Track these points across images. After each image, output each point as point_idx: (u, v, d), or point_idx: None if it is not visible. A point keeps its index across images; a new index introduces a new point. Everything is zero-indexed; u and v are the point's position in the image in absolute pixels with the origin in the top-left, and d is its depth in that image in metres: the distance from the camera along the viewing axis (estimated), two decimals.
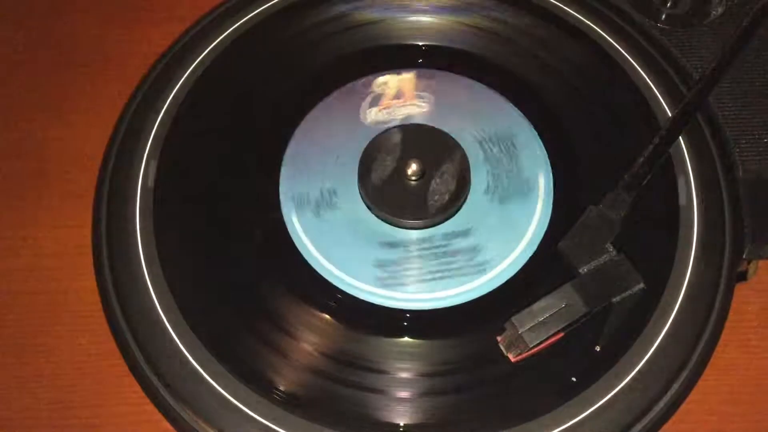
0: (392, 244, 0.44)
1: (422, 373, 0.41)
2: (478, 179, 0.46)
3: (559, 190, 0.45)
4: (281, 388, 0.40)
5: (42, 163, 0.49)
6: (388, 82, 0.46)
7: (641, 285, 0.40)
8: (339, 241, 0.44)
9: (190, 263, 0.44)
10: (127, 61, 0.52)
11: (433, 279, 0.43)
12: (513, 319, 0.39)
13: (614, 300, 0.40)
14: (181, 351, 0.40)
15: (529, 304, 0.39)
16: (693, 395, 0.41)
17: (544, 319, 0.39)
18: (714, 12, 0.50)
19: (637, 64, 0.48)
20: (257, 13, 0.50)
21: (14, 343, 0.44)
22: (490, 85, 0.48)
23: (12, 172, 0.49)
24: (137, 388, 0.41)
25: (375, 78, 0.48)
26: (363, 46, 0.50)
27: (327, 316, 0.42)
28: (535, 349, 0.39)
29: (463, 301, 0.42)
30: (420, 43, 0.50)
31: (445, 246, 0.44)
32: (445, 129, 0.46)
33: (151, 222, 0.44)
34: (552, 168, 0.46)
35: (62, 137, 0.50)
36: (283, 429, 0.39)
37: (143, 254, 0.43)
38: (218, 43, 0.49)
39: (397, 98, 0.46)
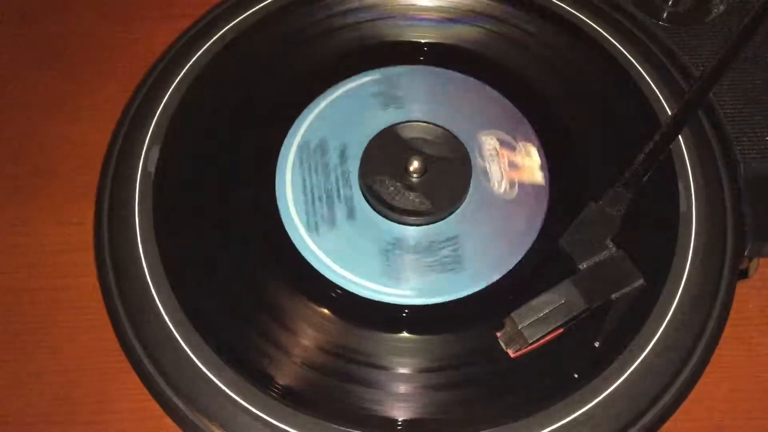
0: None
1: (421, 369, 0.41)
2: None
3: (559, 186, 0.45)
4: (281, 383, 0.40)
5: (44, 161, 0.50)
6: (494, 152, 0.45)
7: (641, 281, 0.40)
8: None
9: (192, 260, 0.44)
10: (128, 59, 0.52)
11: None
12: (513, 314, 0.39)
13: (614, 296, 0.40)
14: (182, 347, 0.40)
15: (529, 300, 0.39)
16: (694, 393, 0.41)
17: (544, 315, 0.39)
18: (715, 10, 0.50)
19: (638, 62, 0.48)
20: (258, 9, 0.50)
21: (16, 339, 0.45)
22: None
23: (14, 170, 0.50)
24: (139, 384, 0.41)
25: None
26: (365, 43, 0.50)
27: (325, 311, 0.42)
28: (535, 345, 0.39)
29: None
30: (422, 41, 0.50)
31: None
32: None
33: (152, 219, 0.44)
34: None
35: (64, 135, 0.50)
36: (283, 424, 0.39)
37: (145, 251, 0.43)
38: (217, 39, 0.49)
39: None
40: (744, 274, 0.45)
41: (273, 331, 0.42)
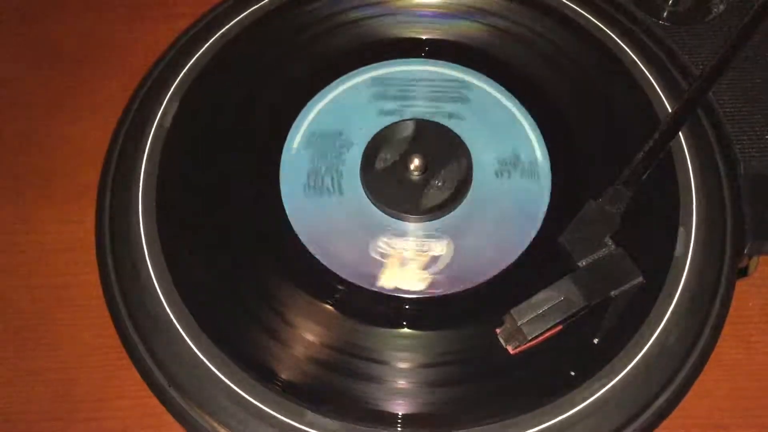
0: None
1: (421, 364, 0.41)
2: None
3: (559, 184, 0.45)
4: (283, 378, 0.40)
5: (45, 159, 0.50)
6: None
7: (640, 279, 0.40)
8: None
9: (194, 257, 0.44)
10: (128, 59, 0.53)
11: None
12: (512, 311, 0.39)
13: (613, 294, 0.40)
14: (184, 344, 0.40)
15: (528, 297, 0.39)
16: (693, 390, 0.41)
17: (543, 312, 0.39)
18: (715, 9, 0.51)
19: (639, 61, 0.48)
20: (257, 8, 0.50)
21: (17, 336, 0.45)
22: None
23: (16, 168, 0.50)
24: (139, 380, 0.41)
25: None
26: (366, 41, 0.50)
27: (328, 306, 0.42)
28: (534, 342, 0.39)
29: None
30: (423, 37, 0.50)
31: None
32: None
33: (154, 216, 0.44)
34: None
35: (66, 133, 0.51)
36: (284, 419, 0.39)
37: (146, 248, 0.43)
38: (218, 39, 0.49)
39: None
40: (744, 273, 0.45)
41: (276, 327, 0.42)
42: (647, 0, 0.51)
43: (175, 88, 0.47)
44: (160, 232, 0.43)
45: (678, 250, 0.42)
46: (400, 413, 0.39)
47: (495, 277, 0.43)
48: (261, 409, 0.39)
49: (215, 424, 0.39)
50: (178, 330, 0.41)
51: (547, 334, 0.39)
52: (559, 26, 0.50)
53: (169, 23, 0.52)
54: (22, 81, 0.53)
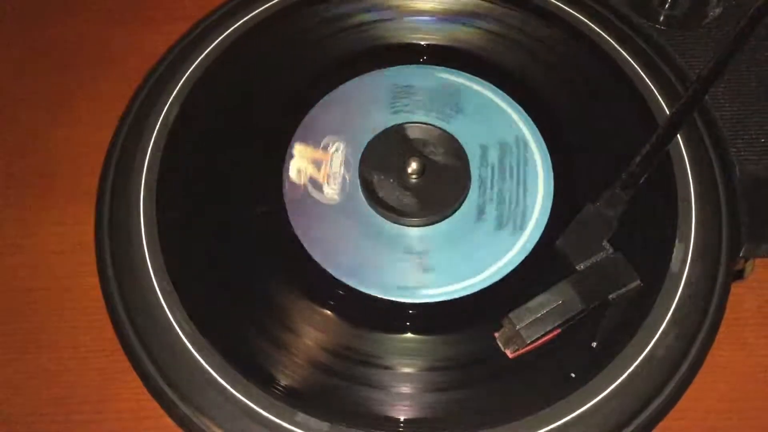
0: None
1: (421, 369, 0.41)
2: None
3: (557, 188, 0.46)
4: (283, 383, 0.40)
5: (46, 162, 0.50)
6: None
7: (638, 282, 0.40)
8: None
9: (193, 258, 0.44)
10: (129, 60, 0.53)
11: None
12: (510, 315, 0.39)
13: (611, 297, 0.40)
14: (184, 347, 0.41)
15: (527, 301, 0.39)
16: (689, 392, 0.41)
17: (542, 316, 0.39)
18: (711, 13, 0.51)
19: (636, 65, 0.48)
20: (259, 12, 0.50)
21: (16, 339, 0.45)
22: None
23: (16, 171, 0.50)
24: (139, 383, 0.41)
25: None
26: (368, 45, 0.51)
27: (329, 312, 0.43)
28: (533, 346, 0.39)
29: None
30: (423, 43, 0.51)
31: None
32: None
33: (154, 219, 0.44)
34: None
35: (66, 137, 0.51)
36: (286, 424, 0.39)
37: (146, 250, 0.43)
38: (219, 42, 0.49)
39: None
40: (739, 275, 0.46)
41: (275, 331, 0.42)
42: (644, 4, 0.51)
43: (175, 91, 0.47)
44: (160, 235, 0.43)
45: (675, 253, 0.43)
46: (402, 418, 0.40)
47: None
48: (262, 414, 0.39)
49: (214, 428, 0.39)
50: (177, 333, 0.41)
51: (545, 338, 0.39)
52: (556, 31, 0.50)
53: (170, 25, 0.52)
54: (22, 81, 0.53)
